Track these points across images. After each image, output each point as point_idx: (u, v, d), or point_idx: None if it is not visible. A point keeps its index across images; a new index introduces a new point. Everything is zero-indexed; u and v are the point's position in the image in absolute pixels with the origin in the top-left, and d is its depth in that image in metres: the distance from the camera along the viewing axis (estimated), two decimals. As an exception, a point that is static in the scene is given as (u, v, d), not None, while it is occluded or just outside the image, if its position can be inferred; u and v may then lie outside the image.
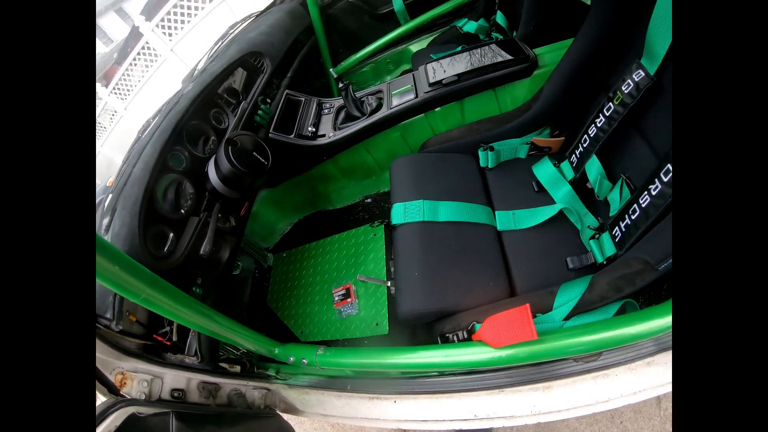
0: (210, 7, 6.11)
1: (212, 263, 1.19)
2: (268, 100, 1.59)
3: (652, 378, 0.97)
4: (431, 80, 1.45)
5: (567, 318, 0.96)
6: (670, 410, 1.49)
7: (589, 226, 1.20)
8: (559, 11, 1.73)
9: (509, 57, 1.42)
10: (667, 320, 0.81)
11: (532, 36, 1.65)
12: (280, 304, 1.80)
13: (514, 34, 1.80)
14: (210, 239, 1.11)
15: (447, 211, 1.25)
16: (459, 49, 1.94)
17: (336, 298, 1.64)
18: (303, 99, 1.66)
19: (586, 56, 1.19)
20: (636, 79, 1.03)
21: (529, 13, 1.66)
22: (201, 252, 1.09)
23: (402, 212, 1.26)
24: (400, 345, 1.50)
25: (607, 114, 1.13)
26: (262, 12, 2.08)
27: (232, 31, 1.97)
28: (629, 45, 1.13)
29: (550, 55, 1.46)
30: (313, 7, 1.97)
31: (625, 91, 1.06)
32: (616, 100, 1.09)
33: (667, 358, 0.96)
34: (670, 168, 0.90)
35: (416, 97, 1.45)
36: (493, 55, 1.45)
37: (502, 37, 1.95)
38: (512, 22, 1.91)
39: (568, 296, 0.98)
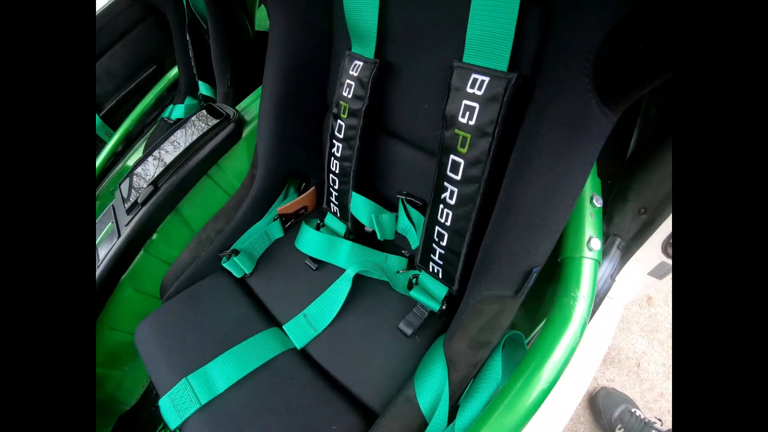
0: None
1: None
2: None
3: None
4: (127, 205, 0.96)
5: (451, 419, 0.63)
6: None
7: (398, 272, 0.84)
8: (257, 50, 1.38)
9: (207, 127, 0.99)
10: (574, 332, 0.59)
11: (236, 91, 1.26)
12: None
13: None
14: None
15: (223, 372, 0.76)
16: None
17: None
18: None
19: (283, 81, 0.82)
20: (355, 74, 0.69)
21: (221, 67, 1.27)
22: None
23: (172, 409, 0.74)
24: None
25: (341, 135, 0.76)
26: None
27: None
28: (328, 46, 0.80)
29: (257, 103, 1.06)
30: None
31: (349, 97, 0.71)
32: (344, 114, 0.73)
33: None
34: (456, 159, 0.58)
35: (119, 235, 0.95)
36: (190, 133, 1.00)
37: (215, 106, 1.54)
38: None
39: (432, 395, 0.64)
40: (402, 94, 0.69)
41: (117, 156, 1.76)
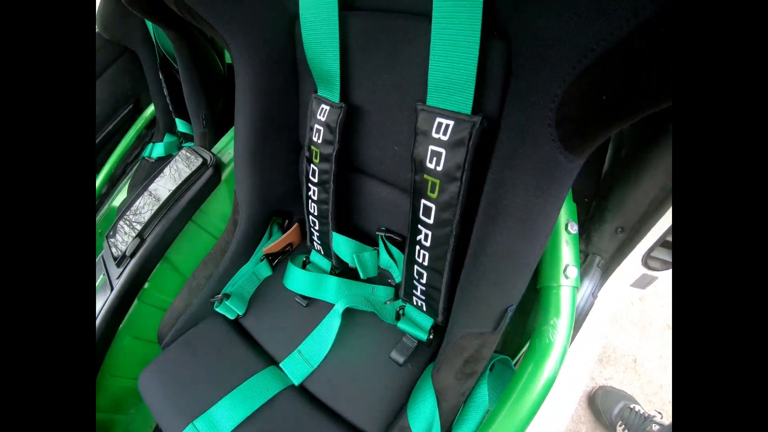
0: None
1: None
2: None
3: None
4: (116, 257, 0.97)
5: (445, 445, 0.66)
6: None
7: (386, 302, 0.85)
8: (231, 85, 1.39)
9: (187, 173, 1.00)
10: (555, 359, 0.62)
11: (212, 131, 1.27)
12: None
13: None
14: None
15: (228, 413, 0.78)
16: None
17: None
18: None
19: (254, 125, 0.83)
20: (323, 119, 0.70)
21: (194, 108, 1.28)
22: None
23: None
24: None
25: (316, 180, 0.77)
26: None
27: None
28: (295, 85, 0.81)
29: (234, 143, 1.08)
30: None
31: (319, 142, 0.72)
32: (316, 158, 0.74)
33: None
34: (427, 204, 0.59)
35: (112, 288, 0.96)
36: (170, 181, 1.01)
37: (193, 144, 1.54)
38: (194, 122, 1.50)
39: (424, 424, 0.68)
40: (371, 136, 0.70)
41: (102, 197, 1.77)
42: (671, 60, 0.31)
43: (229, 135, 1.13)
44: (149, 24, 1.46)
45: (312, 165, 0.76)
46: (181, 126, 1.53)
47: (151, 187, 1.04)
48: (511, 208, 0.50)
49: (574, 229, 0.66)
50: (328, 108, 0.69)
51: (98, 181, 1.71)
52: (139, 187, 1.54)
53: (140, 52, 1.60)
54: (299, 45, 0.72)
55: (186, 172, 1.00)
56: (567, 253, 0.66)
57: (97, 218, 1.75)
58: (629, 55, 0.33)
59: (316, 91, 0.73)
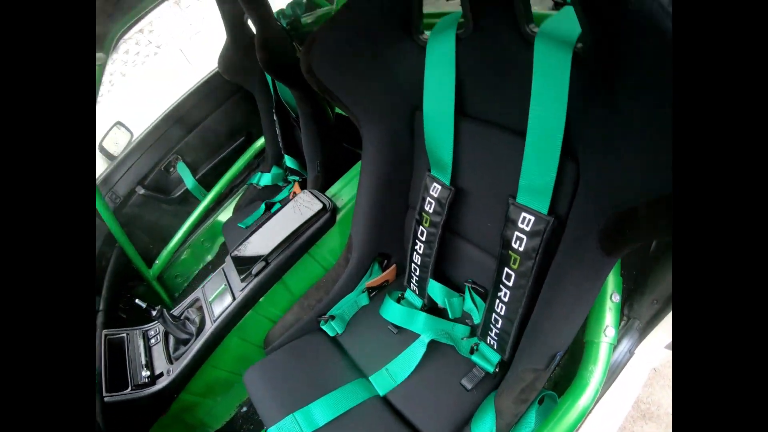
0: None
1: None
2: None
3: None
4: (241, 275, 1.28)
5: (497, 456, 0.87)
6: None
7: (463, 338, 1.09)
8: (338, 131, 1.69)
9: (309, 214, 1.30)
10: (588, 396, 0.84)
11: (324, 176, 1.58)
12: None
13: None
14: None
15: (323, 411, 1.04)
16: (262, 208, 1.82)
17: None
18: (125, 335, 1.35)
19: (376, 187, 1.11)
20: (435, 195, 0.97)
21: (312, 155, 1.60)
22: None
23: None
24: None
25: (423, 239, 1.05)
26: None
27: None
28: (412, 159, 1.08)
29: (347, 189, 1.38)
30: (106, 213, 1.67)
31: (430, 211, 1.00)
32: (426, 223, 1.02)
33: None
34: (509, 271, 0.85)
35: (234, 299, 1.26)
36: (293, 217, 1.32)
37: (299, 179, 1.87)
38: (302, 161, 1.82)
39: None
40: (470, 212, 0.97)
41: (209, 212, 2.14)
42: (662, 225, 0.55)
43: (341, 182, 1.42)
44: (268, 75, 1.79)
45: (421, 227, 1.03)
46: (289, 162, 1.87)
47: (271, 224, 1.35)
48: (566, 283, 0.75)
49: (616, 298, 0.88)
50: (440, 187, 0.96)
51: (208, 199, 2.08)
52: (244, 208, 1.90)
53: (256, 94, 1.95)
54: (418, 131, 0.99)
55: (306, 215, 1.30)
56: (609, 317, 0.87)
57: (202, 228, 2.14)
58: (642, 212, 0.58)
59: (429, 170, 1.00)
